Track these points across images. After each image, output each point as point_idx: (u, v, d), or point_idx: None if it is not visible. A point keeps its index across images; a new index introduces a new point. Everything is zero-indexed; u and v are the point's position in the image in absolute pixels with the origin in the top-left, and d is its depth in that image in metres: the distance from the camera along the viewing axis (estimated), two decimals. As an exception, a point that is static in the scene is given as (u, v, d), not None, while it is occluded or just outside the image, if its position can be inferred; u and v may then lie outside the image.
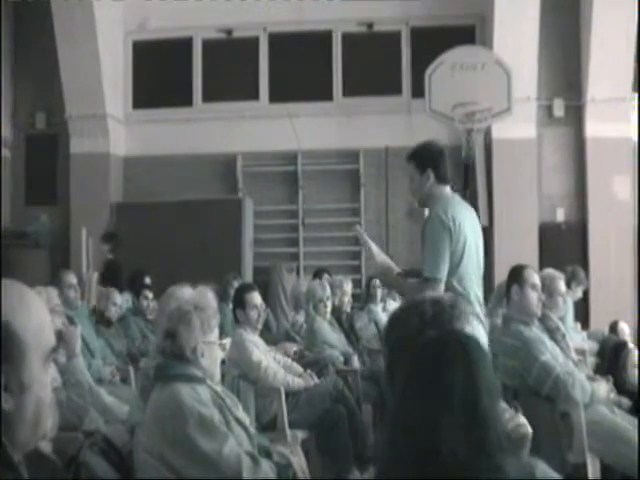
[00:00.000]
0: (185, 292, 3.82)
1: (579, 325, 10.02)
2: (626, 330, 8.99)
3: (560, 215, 12.27)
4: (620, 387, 6.45)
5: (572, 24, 12.32)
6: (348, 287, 9.33)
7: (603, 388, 5.74)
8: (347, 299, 9.19)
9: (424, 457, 2.06)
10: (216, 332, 3.83)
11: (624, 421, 5.73)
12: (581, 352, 7.82)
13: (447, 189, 4.99)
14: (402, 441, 2.13)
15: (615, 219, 11.85)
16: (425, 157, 4.99)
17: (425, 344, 2.22)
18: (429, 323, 2.45)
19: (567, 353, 6.10)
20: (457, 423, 2.06)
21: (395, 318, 2.63)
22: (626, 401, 6.21)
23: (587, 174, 12.17)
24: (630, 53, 11.88)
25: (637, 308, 10.00)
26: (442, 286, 4.71)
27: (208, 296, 3.84)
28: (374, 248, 5.15)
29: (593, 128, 12.09)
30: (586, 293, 11.14)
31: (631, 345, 7.52)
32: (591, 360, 7.86)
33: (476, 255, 4.95)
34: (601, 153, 12.02)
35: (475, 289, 4.91)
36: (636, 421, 5.79)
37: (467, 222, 4.90)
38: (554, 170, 12.28)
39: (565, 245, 12.03)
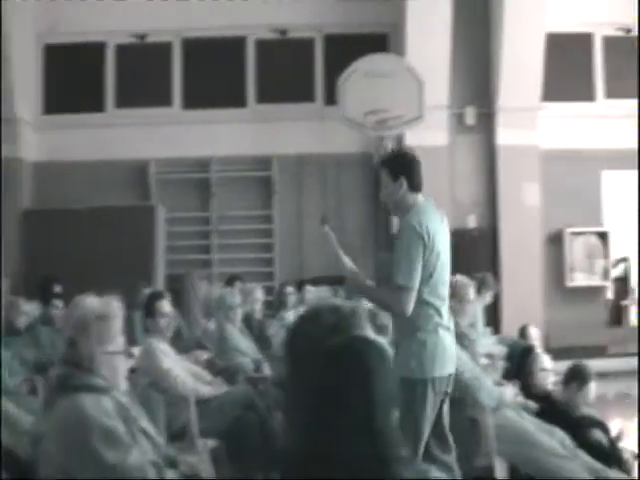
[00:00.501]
0: (89, 301, 3.77)
1: (489, 330, 10.13)
2: (535, 334, 9.12)
3: (472, 221, 12.43)
4: (527, 391, 6.55)
5: (483, 34, 12.50)
6: (259, 294, 9.32)
7: (510, 392, 5.84)
8: (258, 306, 9.18)
9: (322, 463, 2.07)
10: (120, 341, 3.77)
11: (531, 424, 5.83)
12: (490, 357, 7.93)
13: (420, 197, 4.95)
14: (304, 447, 2.13)
15: (524, 225, 12.06)
16: (399, 164, 4.98)
17: (324, 352, 2.22)
18: (329, 331, 2.44)
19: (475, 359, 6.18)
20: (353, 432, 2.06)
21: (295, 326, 2.61)
22: (533, 404, 6.32)
23: (498, 181, 12.35)
24: (539, 63, 12.10)
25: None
26: (414, 295, 4.70)
27: (112, 305, 3.79)
28: (342, 253, 5.08)
29: (503, 136, 12.28)
30: (497, 298, 11.31)
31: (539, 349, 7.63)
32: (501, 365, 7.97)
33: (447, 266, 4.99)
34: (511, 160, 12.22)
35: (446, 300, 4.94)
36: (542, 424, 5.90)
37: (439, 232, 4.89)
38: (465, 177, 12.44)
39: (476, 251, 12.18)
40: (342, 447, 2.07)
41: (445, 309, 4.92)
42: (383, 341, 2.48)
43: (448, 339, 4.90)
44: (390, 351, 2.27)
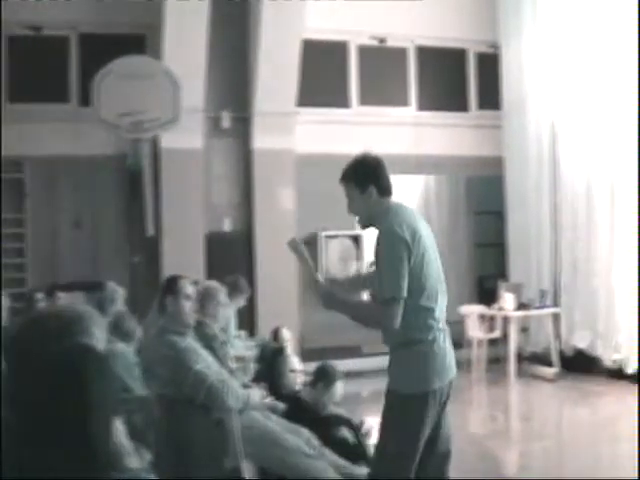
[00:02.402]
0: None
1: (244, 333, 10.23)
2: (286, 336, 9.27)
3: (227, 224, 12.46)
4: (277, 392, 6.66)
5: (241, 38, 12.57)
6: (3, 301, 8.99)
7: (257, 394, 5.90)
8: (3, 314, 8.86)
9: (38, 470, 2.03)
10: None
11: (278, 425, 5.93)
12: (242, 359, 8.02)
13: (392, 200, 4.65)
14: (20, 455, 2.08)
15: (280, 228, 12.20)
16: (365, 173, 4.63)
17: (43, 360, 2.17)
18: (50, 337, 2.38)
19: (224, 361, 6.21)
20: (66, 440, 2.03)
21: (17, 331, 2.54)
22: (281, 405, 6.42)
23: (253, 185, 12.47)
24: (295, 68, 12.31)
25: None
26: (402, 306, 4.34)
27: None
28: (314, 268, 4.70)
29: (259, 140, 12.41)
30: (253, 301, 11.44)
31: (289, 351, 7.77)
32: (252, 367, 8.06)
33: (436, 267, 4.61)
34: (267, 164, 12.37)
35: (440, 303, 4.58)
36: (289, 424, 6.01)
37: (421, 229, 4.55)
38: (221, 180, 12.46)
39: (232, 254, 12.26)
40: (56, 455, 2.03)
41: (440, 310, 4.56)
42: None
43: (447, 342, 4.58)
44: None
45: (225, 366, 6.06)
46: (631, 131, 11.22)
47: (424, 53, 14.05)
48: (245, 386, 6.00)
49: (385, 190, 4.63)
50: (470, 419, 10.44)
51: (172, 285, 5.54)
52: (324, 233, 12.98)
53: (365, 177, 4.60)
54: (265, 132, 12.32)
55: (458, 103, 14.24)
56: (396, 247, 4.39)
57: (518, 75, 13.43)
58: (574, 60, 12.36)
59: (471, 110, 14.33)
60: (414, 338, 4.44)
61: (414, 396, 4.42)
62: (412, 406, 4.42)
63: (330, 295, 4.64)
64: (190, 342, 5.52)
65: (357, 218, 4.73)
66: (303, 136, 12.63)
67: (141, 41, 12.68)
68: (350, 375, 10.76)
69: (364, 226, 4.76)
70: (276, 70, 12.24)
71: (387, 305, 4.36)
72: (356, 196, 4.63)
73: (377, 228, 4.61)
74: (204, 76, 11.95)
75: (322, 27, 12.99)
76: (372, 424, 7.81)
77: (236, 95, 12.54)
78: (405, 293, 4.34)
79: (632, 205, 11.25)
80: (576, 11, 12.30)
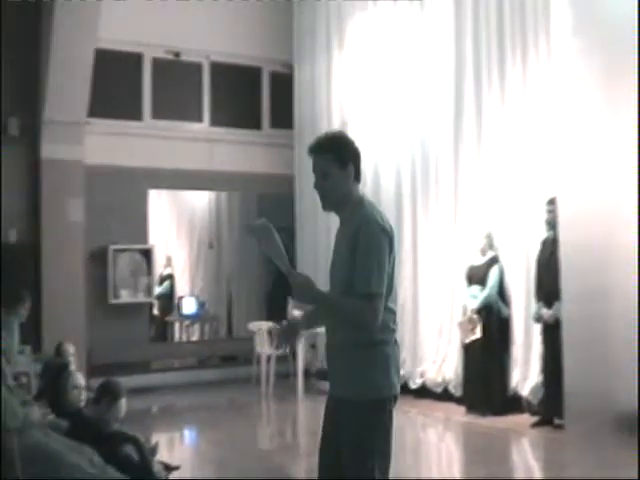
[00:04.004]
0: None
1: (29, 348, 9.94)
2: (71, 351, 9.06)
3: (13, 235, 12.08)
4: (59, 409, 6.49)
5: (32, 44, 12.25)
6: None
7: (37, 412, 5.74)
8: None
9: None
10: None
11: (59, 444, 5.77)
12: (25, 375, 7.79)
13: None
14: None
15: (67, 240, 12.01)
16: (348, 149, 4.16)
17: None
18: None
19: (4, 378, 6.01)
20: None
21: None
22: (64, 423, 6.26)
23: (41, 195, 12.16)
24: (87, 79, 12.10)
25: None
26: (383, 302, 3.98)
27: None
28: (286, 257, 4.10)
29: (48, 150, 12.14)
30: (39, 315, 11.16)
31: (73, 366, 7.59)
32: (35, 383, 7.84)
33: None
34: (55, 175, 12.10)
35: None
36: (72, 442, 5.88)
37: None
38: (8, 190, 12.02)
39: (18, 266, 11.88)
40: None
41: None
42: None
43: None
44: None
45: (3, 384, 5.85)
46: (423, 155, 11.59)
47: (219, 69, 14.13)
48: (26, 403, 5.81)
49: (359, 175, 4.22)
50: (259, 434, 10.52)
51: None
52: (113, 247, 12.80)
53: (347, 153, 4.17)
54: (54, 141, 12.06)
55: (251, 121, 14.39)
56: (382, 241, 4.04)
57: (310, 95, 13.70)
58: (365, 82, 12.69)
59: (264, 128, 14.49)
60: (378, 339, 4.06)
61: (383, 401, 4.07)
62: (382, 411, 4.06)
63: (308, 286, 4.06)
64: (-33, 359, 5.33)
65: (321, 196, 4.24)
66: (93, 147, 12.43)
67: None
68: (138, 391, 10.67)
69: (330, 209, 4.29)
70: (67, 79, 12.01)
71: (372, 300, 3.97)
72: (333, 172, 4.13)
73: (342, 214, 4.28)
74: (-8, 80, 11.58)
75: (117, 38, 12.85)
76: (159, 440, 7.79)
77: (25, 102, 12.21)
78: (384, 290, 4.03)
79: (431, 223, 11.52)
80: (366, 35, 12.68)
